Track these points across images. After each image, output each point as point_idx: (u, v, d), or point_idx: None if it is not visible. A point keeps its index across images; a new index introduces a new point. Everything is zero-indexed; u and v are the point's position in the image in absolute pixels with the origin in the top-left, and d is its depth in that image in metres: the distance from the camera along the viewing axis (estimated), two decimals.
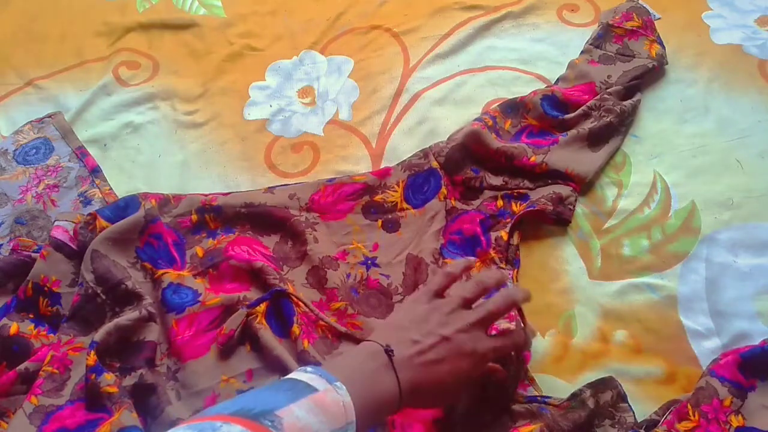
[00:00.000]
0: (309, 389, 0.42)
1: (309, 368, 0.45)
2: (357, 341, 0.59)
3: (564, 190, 0.69)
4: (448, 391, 0.51)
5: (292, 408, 0.40)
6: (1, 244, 0.69)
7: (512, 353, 0.55)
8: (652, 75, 0.78)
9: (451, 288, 0.55)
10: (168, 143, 0.79)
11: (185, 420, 0.41)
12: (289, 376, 0.45)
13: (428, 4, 0.90)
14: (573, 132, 0.72)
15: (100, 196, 0.73)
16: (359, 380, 0.46)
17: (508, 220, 0.67)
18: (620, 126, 0.73)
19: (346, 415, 0.42)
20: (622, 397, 0.55)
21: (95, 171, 0.76)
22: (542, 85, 0.79)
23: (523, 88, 0.78)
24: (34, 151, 0.78)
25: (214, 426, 0.37)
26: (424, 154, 0.71)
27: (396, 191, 0.70)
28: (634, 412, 0.54)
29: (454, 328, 0.50)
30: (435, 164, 0.70)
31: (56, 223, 0.66)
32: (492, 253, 0.64)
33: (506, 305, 0.53)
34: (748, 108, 0.75)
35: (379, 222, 0.69)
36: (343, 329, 0.61)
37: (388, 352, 0.48)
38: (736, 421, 0.53)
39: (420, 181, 0.70)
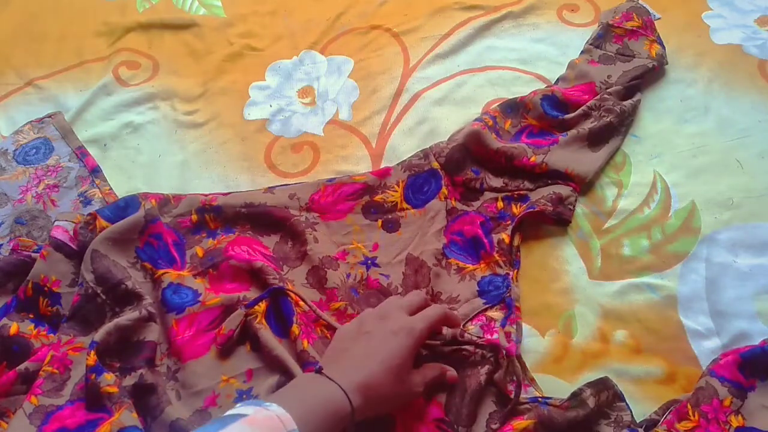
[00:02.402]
0: (239, 416, 0.43)
1: (239, 404, 0.47)
2: None
3: (564, 190, 0.69)
4: (397, 378, 0.51)
5: None
6: (1, 244, 0.69)
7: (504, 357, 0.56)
8: (652, 75, 0.78)
9: None
10: (168, 143, 0.79)
11: None
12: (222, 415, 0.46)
13: (428, 4, 0.90)
14: (573, 132, 0.72)
15: (100, 196, 0.73)
16: (293, 396, 0.48)
17: (509, 222, 0.67)
18: (620, 126, 0.73)
19: (284, 425, 0.43)
20: (618, 396, 0.55)
21: (95, 171, 0.76)
22: (542, 85, 0.79)
23: (523, 88, 0.78)
24: (34, 151, 0.78)
25: None
26: (425, 154, 0.71)
27: (396, 191, 0.70)
28: (631, 411, 0.54)
29: (372, 323, 0.54)
30: (435, 165, 0.70)
31: (56, 223, 0.66)
32: (496, 256, 0.64)
33: (417, 295, 0.58)
34: (748, 108, 0.75)
35: (379, 222, 0.69)
36: (340, 326, 0.61)
37: (318, 370, 0.51)
38: (735, 421, 0.53)
39: (420, 182, 0.70)
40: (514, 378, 0.56)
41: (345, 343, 0.54)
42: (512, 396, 0.55)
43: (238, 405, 0.46)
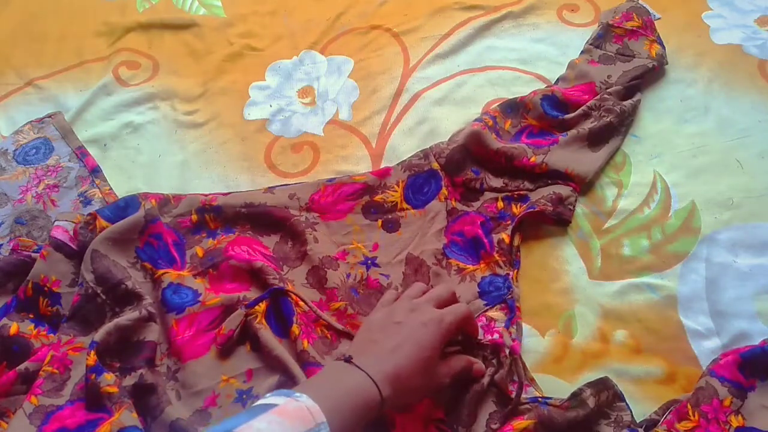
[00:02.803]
0: (269, 406, 0.43)
1: (268, 393, 0.47)
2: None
3: (564, 190, 0.69)
4: (426, 369, 0.52)
5: (252, 423, 0.41)
6: (1, 244, 0.69)
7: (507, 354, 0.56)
8: (652, 75, 0.78)
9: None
10: (168, 143, 0.79)
11: None
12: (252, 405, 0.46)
13: (428, 4, 0.90)
14: (573, 132, 0.72)
15: (100, 196, 0.73)
16: (323, 386, 0.48)
17: (509, 222, 0.67)
18: (620, 126, 0.73)
19: (313, 417, 0.43)
20: (618, 396, 0.55)
21: (95, 171, 0.76)
22: (542, 85, 0.79)
23: (523, 88, 0.78)
24: (34, 151, 0.78)
25: None
26: (425, 154, 0.71)
27: (396, 191, 0.70)
28: (631, 411, 0.54)
29: (402, 313, 0.55)
30: (436, 165, 0.70)
31: (56, 223, 0.66)
32: (496, 256, 0.64)
33: (446, 290, 0.58)
34: (748, 108, 0.75)
35: (379, 222, 0.69)
36: (341, 327, 0.61)
37: (347, 359, 0.51)
38: (735, 422, 0.53)
39: (420, 182, 0.70)
40: (515, 378, 0.56)
41: (374, 334, 0.54)
42: (513, 396, 0.55)
43: (267, 395, 0.46)
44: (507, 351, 0.57)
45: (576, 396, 0.54)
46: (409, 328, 0.53)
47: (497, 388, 0.56)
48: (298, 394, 0.45)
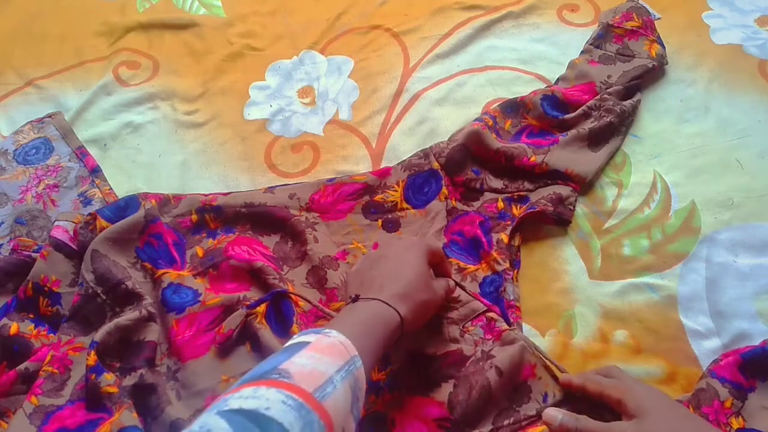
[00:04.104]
0: (303, 344, 0.44)
1: (300, 332, 0.48)
2: None
3: (564, 190, 0.68)
4: (425, 283, 0.55)
5: (293, 360, 0.42)
6: (1, 244, 0.69)
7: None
8: (652, 75, 0.78)
9: None
10: (168, 143, 0.79)
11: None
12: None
13: (428, 4, 0.90)
14: (573, 132, 0.72)
15: (100, 196, 0.73)
16: (347, 321, 0.50)
17: (509, 222, 0.67)
18: (620, 126, 0.73)
19: (348, 351, 0.45)
20: None
21: (95, 171, 0.76)
22: (542, 85, 0.79)
23: (523, 88, 0.78)
24: (34, 151, 0.78)
25: (226, 401, 0.38)
26: (425, 154, 0.71)
27: (396, 191, 0.70)
28: None
29: (383, 250, 0.59)
30: (436, 165, 0.70)
31: (56, 223, 0.66)
32: (494, 254, 0.64)
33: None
34: (748, 108, 0.75)
35: (380, 222, 0.69)
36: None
37: (354, 299, 0.53)
38: (736, 423, 0.53)
39: (420, 182, 0.70)
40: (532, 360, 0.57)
41: (368, 272, 0.56)
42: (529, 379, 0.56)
43: (296, 336, 0.47)
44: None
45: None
46: (396, 255, 0.57)
47: (501, 378, 0.56)
48: (327, 330, 0.46)
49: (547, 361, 0.58)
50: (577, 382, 0.55)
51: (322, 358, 0.43)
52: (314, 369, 0.41)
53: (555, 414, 0.53)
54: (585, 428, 0.50)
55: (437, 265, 0.60)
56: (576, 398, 0.55)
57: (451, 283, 0.61)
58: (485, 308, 0.62)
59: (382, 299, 0.51)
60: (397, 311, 0.51)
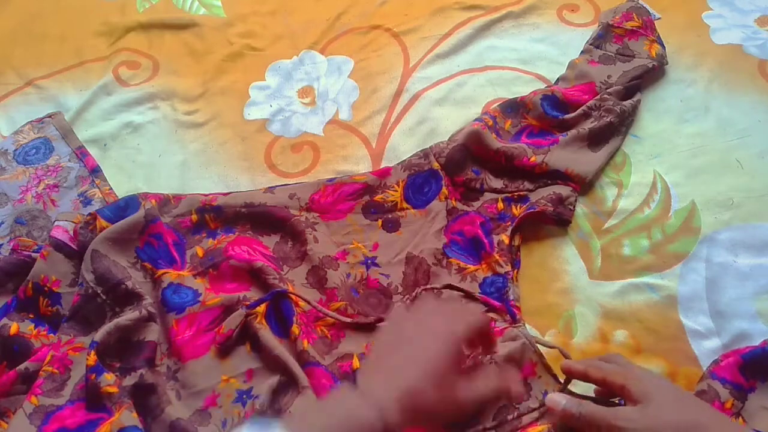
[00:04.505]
0: None
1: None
2: (362, 329, 0.61)
3: (564, 190, 0.69)
4: (441, 383, 0.46)
5: None
6: (1, 244, 0.69)
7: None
8: (652, 75, 0.78)
9: None
10: (168, 143, 0.79)
11: None
12: None
13: (428, 4, 0.90)
14: (573, 132, 0.72)
15: (100, 196, 0.73)
16: (313, 416, 0.45)
17: (509, 223, 0.67)
18: (620, 126, 0.73)
19: None
20: None
21: (95, 171, 0.76)
22: (542, 85, 0.79)
23: (523, 88, 0.78)
24: (34, 151, 0.78)
25: None
26: (425, 154, 0.71)
27: (396, 191, 0.70)
28: None
29: (411, 328, 0.50)
30: (436, 165, 0.70)
31: (56, 223, 0.66)
32: (496, 256, 0.64)
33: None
34: (748, 108, 0.75)
35: (379, 222, 0.69)
36: (347, 319, 0.61)
37: (353, 380, 0.47)
38: None
39: (420, 181, 0.70)
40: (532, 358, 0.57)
41: (384, 352, 0.49)
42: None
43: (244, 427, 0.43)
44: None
45: None
46: (420, 340, 0.48)
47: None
48: (278, 429, 0.42)
49: (552, 349, 0.57)
50: (578, 368, 0.53)
51: None
52: None
53: (558, 399, 0.51)
54: (588, 413, 0.49)
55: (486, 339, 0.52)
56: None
57: (506, 381, 0.49)
58: (485, 308, 0.62)
59: (373, 397, 0.44)
60: (383, 416, 0.43)
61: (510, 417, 0.55)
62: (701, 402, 0.51)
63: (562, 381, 0.56)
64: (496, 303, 0.62)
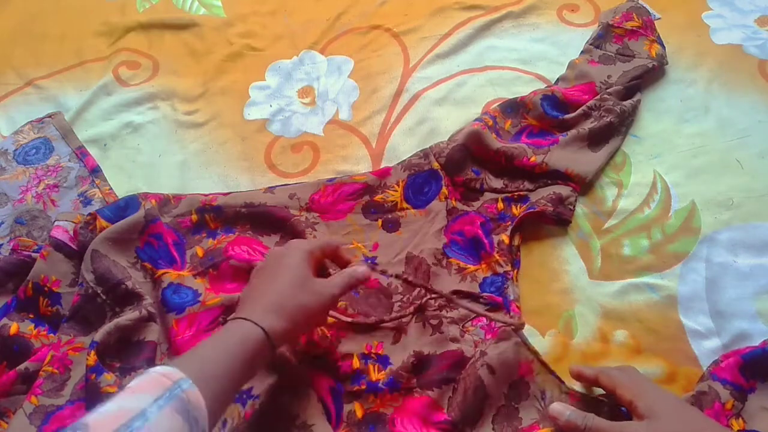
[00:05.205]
0: (120, 390, 0.42)
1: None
2: (362, 329, 0.61)
3: (564, 190, 0.68)
4: (302, 287, 0.52)
5: (101, 409, 0.40)
6: (1, 244, 0.69)
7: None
8: (652, 75, 0.78)
9: None
10: (168, 143, 0.79)
11: None
12: None
13: (428, 4, 0.90)
14: (573, 132, 0.72)
15: (100, 196, 0.73)
16: (194, 350, 0.48)
17: (509, 223, 0.67)
18: (620, 126, 0.73)
19: (169, 378, 0.42)
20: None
21: (95, 171, 0.76)
22: (542, 85, 0.79)
23: (523, 88, 0.78)
24: (34, 151, 0.78)
25: None
26: (425, 154, 0.71)
27: (396, 191, 0.70)
28: None
29: (266, 259, 0.57)
30: (436, 165, 0.70)
31: (56, 223, 0.66)
32: (496, 256, 0.64)
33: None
34: (748, 108, 0.75)
35: (379, 222, 0.69)
36: (347, 319, 0.61)
37: (223, 321, 0.51)
38: (736, 425, 0.53)
39: (420, 182, 0.70)
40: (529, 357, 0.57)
41: (251, 284, 0.55)
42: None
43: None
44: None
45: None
46: (274, 263, 0.55)
47: (493, 375, 0.56)
48: (152, 369, 0.44)
49: (551, 349, 0.58)
50: (588, 373, 0.54)
51: (135, 396, 0.41)
52: (120, 409, 0.40)
53: (562, 410, 0.52)
54: (594, 426, 0.50)
55: (333, 258, 0.59)
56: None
57: (360, 270, 0.57)
58: (485, 309, 0.62)
59: (243, 316, 0.49)
60: (260, 325, 0.48)
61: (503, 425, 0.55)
62: (710, 420, 0.51)
63: (563, 380, 0.56)
64: (501, 300, 0.62)
